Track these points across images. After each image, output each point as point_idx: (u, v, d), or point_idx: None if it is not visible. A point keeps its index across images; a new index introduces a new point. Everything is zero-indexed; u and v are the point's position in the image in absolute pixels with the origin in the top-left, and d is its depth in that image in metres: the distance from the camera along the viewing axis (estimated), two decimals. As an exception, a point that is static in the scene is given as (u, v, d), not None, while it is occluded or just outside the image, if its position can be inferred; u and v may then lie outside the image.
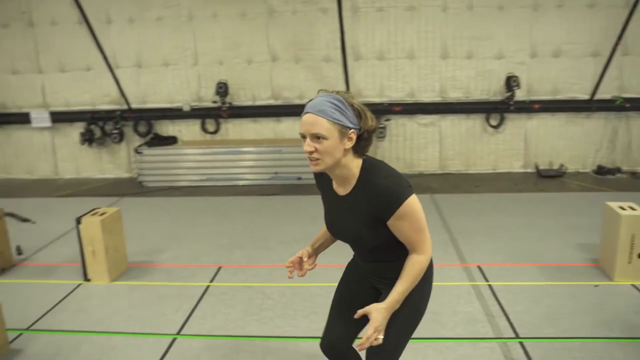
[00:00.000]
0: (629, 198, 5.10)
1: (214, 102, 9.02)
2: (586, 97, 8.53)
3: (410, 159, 9.06)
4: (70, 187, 8.93)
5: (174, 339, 3.91)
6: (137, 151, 8.87)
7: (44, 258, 5.65)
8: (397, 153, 9.04)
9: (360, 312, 2.12)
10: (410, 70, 8.70)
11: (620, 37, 8.12)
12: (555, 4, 8.17)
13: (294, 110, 8.61)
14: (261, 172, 8.68)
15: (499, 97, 8.61)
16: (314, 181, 2.43)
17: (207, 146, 8.93)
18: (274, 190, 8.19)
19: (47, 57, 9.23)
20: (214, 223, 6.67)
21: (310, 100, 2.06)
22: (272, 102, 9.08)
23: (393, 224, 2.07)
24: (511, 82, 8.29)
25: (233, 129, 9.30)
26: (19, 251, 5.70)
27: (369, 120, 2.09)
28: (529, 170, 8.88)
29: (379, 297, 2.34)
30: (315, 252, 2.50)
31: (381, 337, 2.07)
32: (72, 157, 9.65)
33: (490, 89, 8.65)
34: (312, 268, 2.47)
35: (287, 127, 9.08)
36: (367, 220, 2.10)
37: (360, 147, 2.11)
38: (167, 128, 9.41)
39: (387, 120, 8.84)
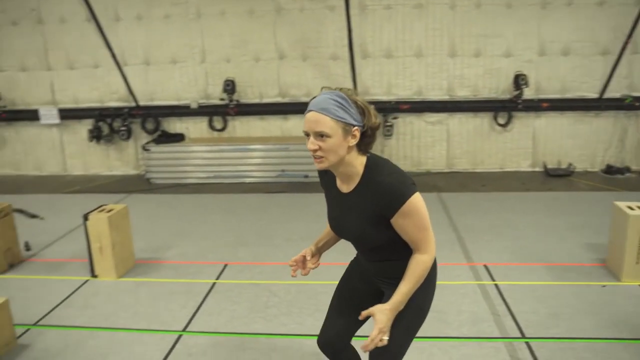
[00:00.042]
0: (638, 198, 5.08)
1: (222, 99, 9.03)
2: (595, 95, 8.46)
3: (417, 157, 9.04)
4: (79, 184, 8.98)
5: (180, 336, 3.94)
6: (144, 148, 8.91)
7: (51, 254, 5.69)
8: (404, 151, 9.02)
9: (364, 313, 2.12)
10: (418, 68, 8.67)
11: (630, 35, 8.03)
12: (564, 2, 8.10)
13: (301, 108, 8.47)
14: (268, 169, 8.69)
15: (507, 96, 8.56)
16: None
17: (215, 143, 8.95)
18: (281, 188, 8.20)
19: (56, 54, 9.27)
20: (220, 220, 6.69)
21: (314, 97, 2.06)
22: (279, 99, 9.08)
23: (396, 222, 2.06)
24: (519, 81, 8.23)
25: (240, 126, 9.31)
26: (28, 247, 5.74)
27: (373, 117, 2.08)
28: (536, 169, 8.83)
29: (381, 296, 2.34)
30: (319, 251, 2.51)
31: (386, 338, 2.07)
32: (80, 153, 9.70)
33: (498, 88, 8.60)
34: (316, 267, 2.47)
35: (294, 125, 9.07)
36: (370, 218, 2.09)
37: (364, 144, 2.11)
38: (174, 125, 9.44)
39: (395, 118, 8.81)
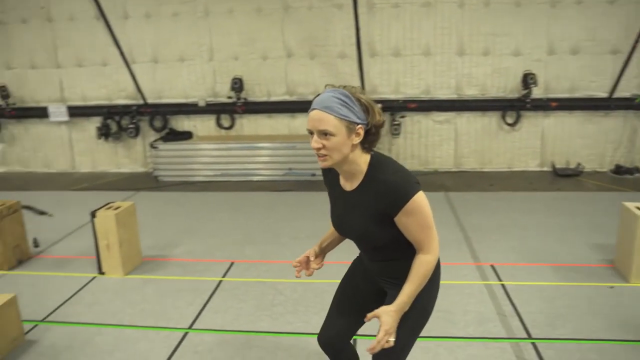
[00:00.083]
0: (647, 198, 5.04)
1: (229, 97, 9.05)
2: (605, 95, 8.40)
3: (425, 156, 9.01)
4: (87, 181, 9.03)
5: (186, 333, 3.95)
6: (152, 146, 8.94)
7: (59, 251, 5.72)
8: (411, 150, 9.00)
9: (369, 315, 2.12)
10: (426, 66, 8.65)
11: (640, 34, 7.99)
12: (574, 0, 8.04)
13: (309, 107, 8.55)
14: (275, 167, 8.70)
15: (515, 95, 8.51)
16: None
17: (222, 141, 8.97)
18: (288, 186, 8.20)
19: (65, 52, 9.32)
20: (227, 218, 6.70)
21: (317, 95, 2.05)
22: (287, 97, 9.09)
23: (400, 220, 2.05)
24: (528, 80, 8.19)
25: (248, 124, 9.33)
26: (36, 244, 5.78)
27: (377, 115, 2.07)
28: (545, 169, 8.79)
29: (384, 296, 2.34)
30: (323, 251, 2.50)
31: (392, 339, 2.06)
32: (88, 151, 9.75)
33: (506, 87, 8.56)
34: (320, 268, 2.47)
35: (302, 123, 9.07)
36: (374, 216, 2.09)
37: (368, 143, 2.11)
38: (182, 123, 9.47)
39: (402, 117, 8.79)
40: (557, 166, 8.61)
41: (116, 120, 9.39)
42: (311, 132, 2.05)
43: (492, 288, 4.55)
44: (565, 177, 8.34)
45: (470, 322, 3.98)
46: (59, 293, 4.66)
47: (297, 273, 2.44)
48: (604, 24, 8.08)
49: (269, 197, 7.73)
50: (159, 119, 9.35)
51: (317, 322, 3.99)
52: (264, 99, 9.13)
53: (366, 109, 2.05)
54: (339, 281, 2.64)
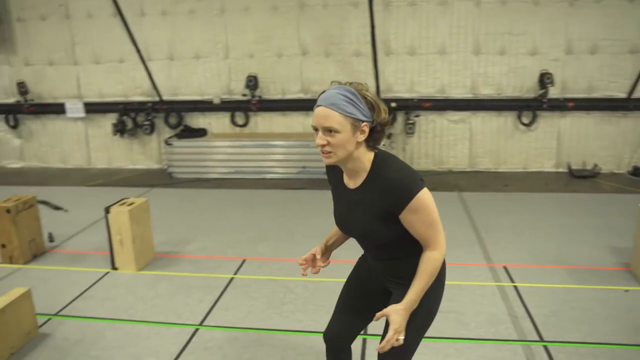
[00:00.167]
0: (664, 201, 4.96)
1: (244, 95, 9.07)
2: (623, 95, 8.28)
3: (439, 155, 8.96)
4: (102, 177, 9.11)
5: (197, 330, 3.97)
6: (167, 143, 8.99)
7: (74, 246, 5.78)
8: (426, 150, 8.96)
9: (378, 315, 2.12)
10: (442, 65, 8.59)
11: (661, 34, 7.86)
12: (593, -1, 7.95)
13: (323, 105, 8.57)
14: (289, 165, 8.70)
15: (531, 95, 8.43)
16: None
17: (236, 139, 9.00)
18: (302, 184, 8.21)
19: (83, 49, 9.42)
20: (241, 216, 6.72)
21: (323, 92, 2.05)
22: (301, 96, 9.09)
23: (405, 218, 2.04)
24: (545, 79, 8.10)
25: (262, 122, 9.35)
26: (51, 238, 5.85)
27: (382, 112, 2.06)
28: (560, 169, 8.69)
29: (388, 296, 2.34)
30: (329, 249, 2.50)
31: (402, 338, 2.06)
32: (104, 147, 9.85)
33: (522, 86, 8.47)
34: (326, 265, 2.47)
35: (316, 122, 9.05)
36: (377, 214, 2.08)
37: (373, 140, 2.10)
38: (197, 120, 9.52)
39: (417, 116, 8.75)
40: (573, 167, 8.51)
41: (132, 117, 9.47)
42: (316, 129, 2.05)
43: (504, 289, 4.51)
44: (581, 178, 8.24)
45: (482, 324, 3.95)
46: (72, 287, 4.72)
47: (303, 271, 2.44)
48: (623, 23, 7.96)
49: (283, 194, 7.74)
50: (174, 116, 9.41)
51: (326, 321, 3.93)
52: (279, 96, 9.15)
53: (372, 106, 2.04)
54: (347, 280, 2.63)
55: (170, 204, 7.29)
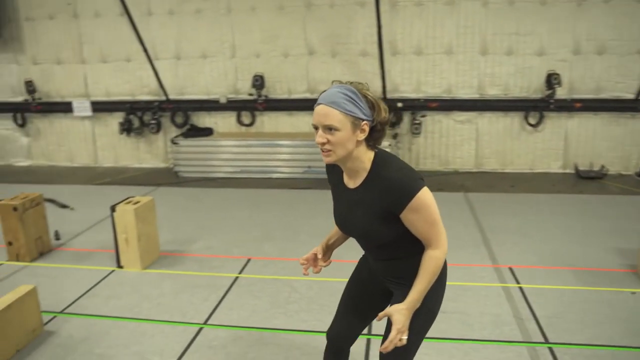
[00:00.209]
0: (672, 203, 4.92)
1: (250, 94, 9.08)
2: (631, 96, 8.22)
3: (445, 156, 8.94)
4: (109, 176, 9.15)
5: (201, 328, 3.98)
6: (173, 142, 9.02)
7: (80, 244, 5.81)
8: (432, 150, 8.93)
9: (381, 315, 2.12)
10: (448, 66, 8.57)
11: (669, 35, 7.80)
12: (602, -1, 7.91)
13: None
14: (295, 165, 8.70)
15: (538, 95, 8.39)
16: None
17: (243, 138, 9.01)
18: (307, 184, 8.20)
19: (90, 48, 9.47)
20: (246, 215, 6.73)
21: (324, 91, 2.05)
22: (308, 95, 9.08)
23: (406, 217, 2.04)
24: (552, 80, 8.06)
25: (268, 121, 9.36)
26: (57, 236, 5.88)
27: (382, 111, 2.06)
28: (567, 170, 8.64)
29: (389, 296, 2.34)
30: (330, 248, 2.50)
31: (405, 337, 2.06)
32: (111, 146, 9.89)
33: (530, 87, 8.44)
34: (327, 265, 2.48)
35: (322, 121, 9.05)
36: (378, 213, 2.08)
37: (373, 139, 2.10)
38: (203, 119, 9.54)
39: (423, 116, 8.73)
40: (580, 168, 8.46)
41: (138, 116, 9.50)
42: (316, 128, 2.05)
43: (509, 290, 4.49)
44: (588, 179, 8.20)
45: (487, 325, 3.94)
46: (78, 285, 4.74)
47: (304, 271, 2.45)
48: (631, 23, 7.90)
49: (289, 194, 7.74)
50: (180, 115, 9.44)
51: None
52: (285, 96, 9.15)
53: (372, 105, 2.05)
54: (351, 280, 2.63)
55: (176, 202, 7.31)
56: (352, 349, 2.67)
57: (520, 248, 5.42)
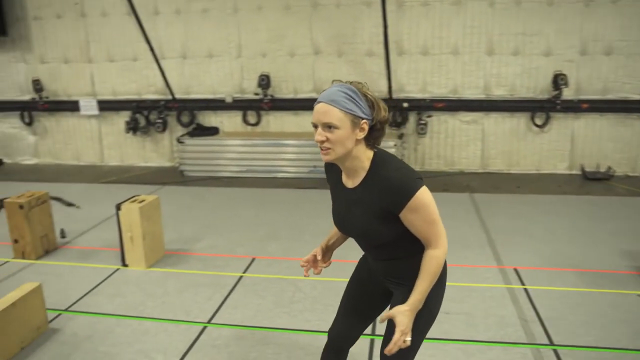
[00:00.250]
0: (679, 204, 4.89)
1: (256, 94, 9.09)
2: (638, 97, 8.17)
3: (451, 156, 8.91)
4: (115, 174, 9.18)
5: (205, 327, 3.98)
6: (179, 141, 9.04)
7: (85, 242, 5.83)
8: (437, 150, 8.91)
9: (384, 316, 2.12)
10: (454, 66, 8.55)
11: (678, 35, 7.75)
12: (609, -1, 7.86)
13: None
14: (300, 165, 8.70)
15: (545, 96, 8.35)
16: None
17: (248, 138, 9.02)
18: (313, 184, 8.20)
19: (97, 47, 9.51)
20: (251, 214, 6.73)
21: (324, 90, 2.05)
22: (313, 95, 9.07)
23: (405, 217, 2.04)
24: (559, 80, 8.02)
25: (274, 121, 9.36)
26: (63, 234, 5.91)
27: (382, 111, 2.06)
28: (574, 172, 8.60)
29: (389, 296, 2.34)
30: (330, 249, 2.51)
31: (409, 339, 2.05)
32: (117, 144, 9.93)
33: (536, 87, 8.40)
34: (327, 266, 2.48)
35: (328, 121, 9.05)
36: (377, 213, 2.08)
37: (372, 139, 2.09)
38: (209, 119, 9.56)
39: (429, 116, 8.71)
40: (587, 169, 8.42)
41: (144, 115, 9.53)
42: (315, 126, 2.05)
43: (514, 292, 4.47)
44: (595, 180, 8.15)
45: (491, 326, 3.92)
46: (83, 283, 4.75)
47: (305, 272, 2.46)
48: (639, 23, 7.85)
49: (294, 194, 7.74)
50: (186, 114, 9.46)
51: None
52: (291, 96, 9.15)
53: (372, 104, 2.05)
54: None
55: (181, 201, 7.33)
56: (355, 349, 2.67)
57: (526, 249, 5.39)
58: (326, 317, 4.06)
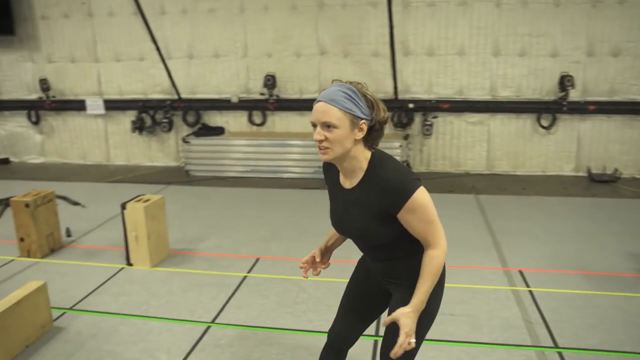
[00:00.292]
0: (686, 207, 4.86)
1: (262, 94, 9.10)
2: (646, 99, 8.15)
3: (456, 157, 8.89)
4: (120, 174, 9.21)
5: (208, 327, 3.99)
6: (184, 141, 9.06)
7: (90, 241, 5.85)
8: (443, 151, 8.88)
9: (387, 320, 2.11)
10: (460, 67, 8.52)
11: (685, 37, 7.70)
12: (616, 0, 7.80)
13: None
14: (306, 165, 8.70)
15: (551, 97, 8.31)
16: None
17: (254, 138, 9.02)
18: (318, 184, 8.18)
19: (104, 46, 9.54)
20: (256, 214, 6.74)
21: (324, 90, 2.05)
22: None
23: (403, 217, 2.04)
24: (565, 82, 7.98)
25: (279, 121, 9.37)
26: (68, 233, 5.93)
27: (381, 111, 2.07)
28: (580, 173, 8.55)
29: (388, 297, 2.35)
30: (329, 250, 2.52)
31: (413, 341, 2.05)
32: (123, 144, 9.96)
33: (542, 88, 8.36)
34: (326, 267, 2.49)
35: (333, 122, 9.04)
36: (374, 213, 2.08)
37: (371, 139, 2.10)
38: (215, 119, 9.57)
39: (435, 117, 8.69)
40: (593, 171, 8.37)
41: (150, 115, 9.55)
42: (314, 125, 2.05)
43: (519, 294, 4.45)
44: (601, 182, 8.11)
45: (495, 328, 3.91)
46: (87, 282, 4.77)
47: (304, 273, 2.47)
48: (647, 25, 7.82)
49: (299, 194, 7.74)
50: (192, 114, 9.47)
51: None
52: (296, 96, 9.15)
53: (371, 104, 2.05)
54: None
55: (186, 201, 7.34)
56: (359, 350, 2.66)
57: (531, 251, 5.37)
58: (329, 317, 4.02)
